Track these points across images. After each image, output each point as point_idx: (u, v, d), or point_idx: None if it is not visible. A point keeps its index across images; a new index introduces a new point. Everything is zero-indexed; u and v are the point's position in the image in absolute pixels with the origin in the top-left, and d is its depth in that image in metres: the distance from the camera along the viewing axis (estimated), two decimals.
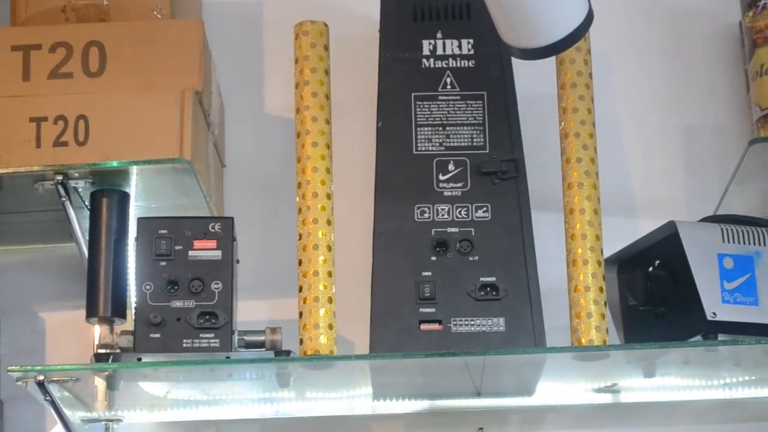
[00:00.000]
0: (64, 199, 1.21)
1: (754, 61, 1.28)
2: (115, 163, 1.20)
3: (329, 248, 1.17)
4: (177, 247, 1.16)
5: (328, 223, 1.18)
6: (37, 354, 1.35)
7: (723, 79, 1.41)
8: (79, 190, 1.23)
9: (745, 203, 1.30)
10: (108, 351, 1.16)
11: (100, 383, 1.19)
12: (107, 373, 1.16)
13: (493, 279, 1.17)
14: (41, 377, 1.13)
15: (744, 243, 1.17)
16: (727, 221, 1.19)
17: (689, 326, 1.15)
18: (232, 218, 1.19)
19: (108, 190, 1.22)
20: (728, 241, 1.16)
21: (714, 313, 1.13)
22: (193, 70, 1.23)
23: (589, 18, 1.09)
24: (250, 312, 1.28)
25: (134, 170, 1.21)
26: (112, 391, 1.22)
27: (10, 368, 1.14)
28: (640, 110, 1.42)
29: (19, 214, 1.30)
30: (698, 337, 1.15)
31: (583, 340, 1.16)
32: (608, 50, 1.39)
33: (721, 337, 1.14)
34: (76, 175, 1.20)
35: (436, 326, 1.16)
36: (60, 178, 1.20)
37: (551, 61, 1.20)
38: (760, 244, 1.17)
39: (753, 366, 1.23)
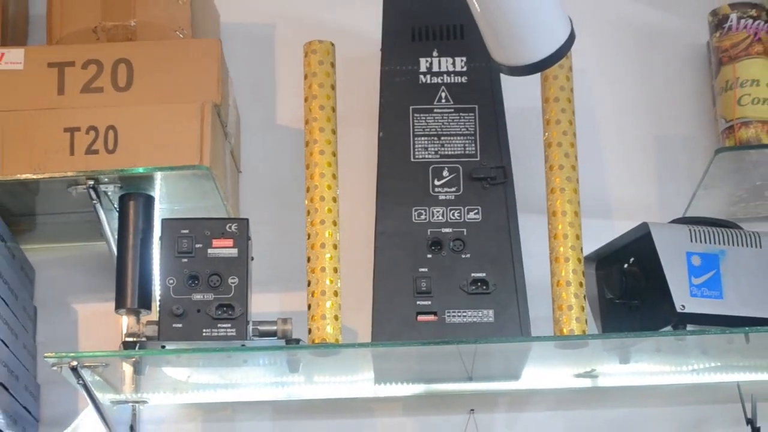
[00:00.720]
0: (95, 202, 1.22)
1: (720, 77, 1.29)
2: (141, 170, 1.20)
3: (335, 247, 1.18)
4: (197, 246, 1.16)
5: (334, 224, 1.18)
6: (71, 342, 1.34)
7: (692, 94, 1.41)
8: (109, 193, 1.23)
9: (712, 206, 1.30)
10: (135, 339, 1.16)
11: (127, 368, 1.20)
12: (134, 359, 1.16)
13: (483, 275, 1.17)
14: (74, 363, 1.14)
15: (710, 242, 1.17)
16: (694, 223, 1.19)
17: (661, 317, 1.16)
18: (247, 219, 1.19)
19: (135, 194, 1.23)
20: (696, 241, 1.16)
21: (683, 306, 1.13)
22: (212, 85, 1.23)
23: (571, 39, 1.10)
24: (264, 304, 1.28)
25: (159, 176, 1.21)
26: (139, 376, 1.22)
27: (46, 355, 1.15)
28: (617, 122, 1.41)
29: (54, 216, 1.30)
30: (669, 328, 1.15)
31: (564, 330, 1.16)
32: (588, 68, 1.39)
33: (689, 327, 1.14)
34: (106, 180, 1.21)
35: (431, 317, 1.16)
36: (91, 183, 1.20)
37: (536, 77, 1.21)
38: (724, 244, 1.17)
39: (718, 353, 1.23)
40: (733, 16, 1.27)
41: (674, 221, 1.23)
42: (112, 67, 1.22)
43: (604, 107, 1.41)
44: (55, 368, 1.15)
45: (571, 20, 1.11)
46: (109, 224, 1.25)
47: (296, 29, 1.40)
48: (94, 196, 1.21)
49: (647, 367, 1.27)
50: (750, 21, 1.27)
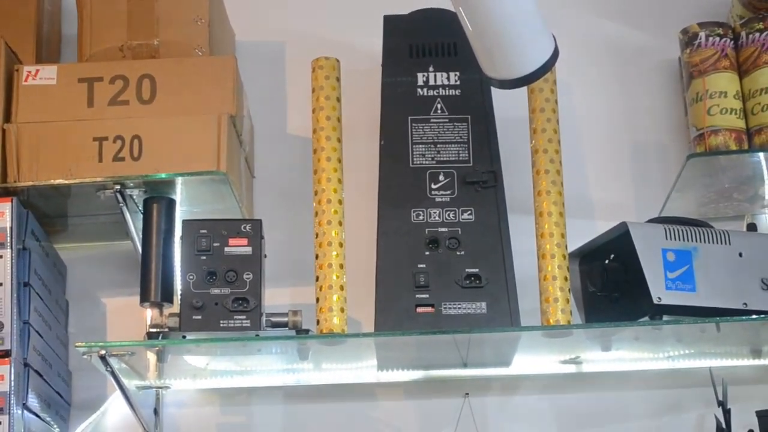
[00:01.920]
0: (121, 204, 1.21)
1: (690, 90, 1.28)
2: (163, 175, 1.20)
3: (341, 245, 1.17)
4: (215, 244, 1.16)
5: (340, 224, 1.18)
6: (100, 332, 1.33)
7: (665, 105, 1.40)
8: (134, 197, 1.23)
9: (684, 207, 1.29)
10: (158, 330, 1.15)
11: (151, 357, 1.19)
12: (158, 348, 1.16)
13: (477, 270, 1.17)
14: (103, 352, 1.13)
15: (684, 240, 1.16)
16: (669, 222, 1.18)
17: (639, 308, 1.15)
18: (260, 220, 1.19)
19: (158, 197, 1.22)
20: (670, 239, 1.16)
21: (659, 298, 1.13)
22: (228, 98, 1.22)
23: (555, 55, 1.09)
24: (276, 298, 1.27)
25: (179, 181, 1.21)
26: (162, 363, 1.22)
27: (77, 344, 1.14)
28: (597, 130, 1.40)
29: (84, 217, 1.30)
30: (646, 318, 1.14)
31: (551, 321, 1.16)
32: (571, 81, 1.39)
33: (665, 317, 1.14)
34: (132, 185, 1.21)
35: (429, 309, 1.15)
36: (118, 187, 1.20)
37: (524, 89, 1.21)
38: (697, 241, 1.16)
39: (692, 341, 1.22)
40: (702, 34, 1.27)
41: (650, 221, 1.23)
42: (137, 82, 1.22)
43: (585, 117, 1.41)
44: (85, 357, 1.15)
45: (555, 38, 1.11)
46: (135, 225, 1.24)
47: (305, 47, 1.39)
48: (120, 199, 1.21)
49: (627, 354, 1.27)
50: (717, 38, 1.26)
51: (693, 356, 1.27)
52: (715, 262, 1.16)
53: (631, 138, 1.40)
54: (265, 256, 1.18)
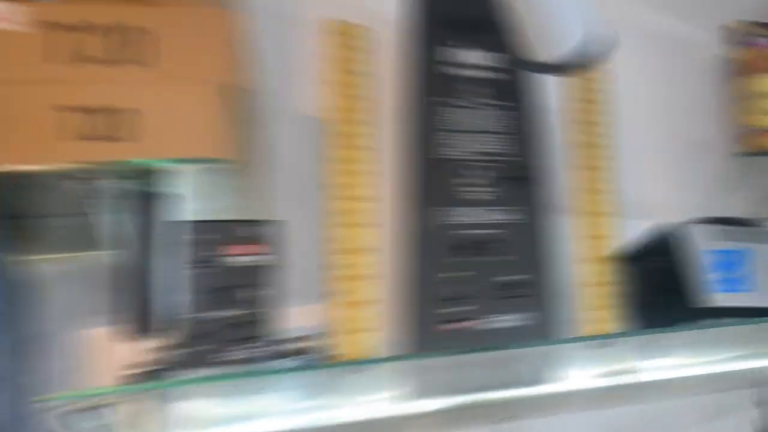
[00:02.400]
0: (91, 201, 0.92)
1: (739, 87, 1.26)
2: (147, 162, 0.91)
3: (366, 251, 0.98)
4: (213, 254, 0.92)
5: (366, 226, 0.98)
6: (65, 376, 0.98)
7: (712, 101, 1.36)
8: (108, 190, 0.93)
9: (735, 206, 1.27)
10: (142, 369, 0.89)
11: (134, 406, 0.90)
12: (142, 392, 0.88)
13: (519, 277, 1.04)
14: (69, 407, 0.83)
15: (736, 240, 1.14)
16: (720, 222, 1.16)
17: (690, 312, 1.10)
18: (273, 222, 0.95)
19: (140, 192, 0.94)
20: (722, 239, 1.13)
21: (713, 300, 1.09)
22: (230, 65, 0.96)
23: (612, 47, 1.00)
24: (289, 318, 1.02)
25: (168, 170, 0.94)
26: (149, 413, 0.93)
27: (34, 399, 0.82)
28: (642, 126, 1.32)
29: (41, 219, 0.97)
30: (697, 322, 1.09)
31: (598, 330, 1.07)
32: (616, 74, 1.28)
33: (719, 320, 1.10)
34: (105, 174, 0.91)
35: (465, 324, 1.01)
36: (87, 177, 0.90)
37: (569, 78, 1.10)
38: (749, 241, 1.15)
39: (747, 342, 1.20)
40: (754, 32, 1.25)
41: (701, 220, 1.19)
42: (119, 34, 0.92)
43: (630, 112, 1.32)
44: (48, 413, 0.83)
45: (611, 30, 1.01)
46: (110, 229, 0.94)
47: (324, 16, 1.14)
48: (90, 193, 0.91)
49: (681, 360, 1.21)
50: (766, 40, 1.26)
51: (748, 357, 1.24)
52: None
53: (678, 134, 1.34)
54: (281, 268, 0.96)
